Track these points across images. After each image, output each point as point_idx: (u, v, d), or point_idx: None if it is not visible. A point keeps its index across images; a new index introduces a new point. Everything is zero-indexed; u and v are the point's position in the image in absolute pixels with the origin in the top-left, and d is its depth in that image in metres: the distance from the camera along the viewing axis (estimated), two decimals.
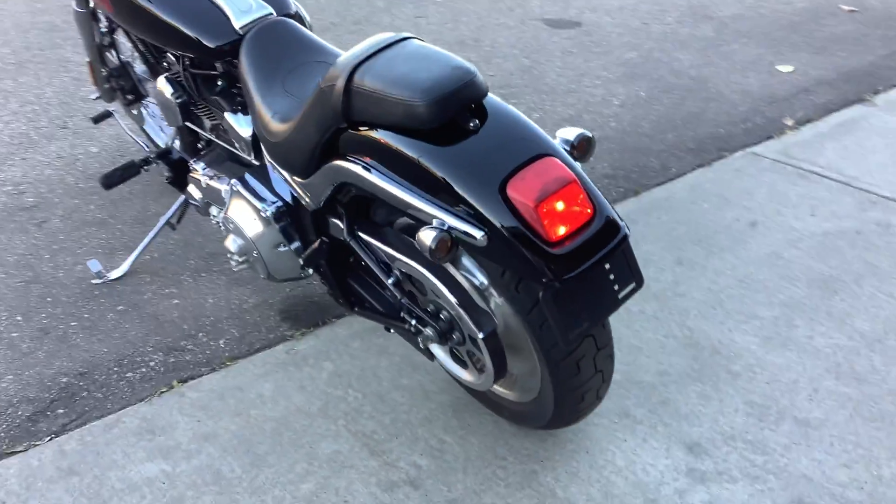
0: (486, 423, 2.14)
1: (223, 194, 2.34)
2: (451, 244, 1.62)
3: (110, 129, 3.58)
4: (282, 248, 2.25)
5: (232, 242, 2.31)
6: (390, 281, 1.99)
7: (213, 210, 2.48)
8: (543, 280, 1.58)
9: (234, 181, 2.27)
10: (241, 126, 2.24)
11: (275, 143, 2.02)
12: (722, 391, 2.24)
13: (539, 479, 1.99)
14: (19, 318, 2.52)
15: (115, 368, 2.34)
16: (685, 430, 2.13)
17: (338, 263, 2.20)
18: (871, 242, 2.87)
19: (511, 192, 1.58)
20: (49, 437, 2.11)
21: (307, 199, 2.05)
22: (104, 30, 2.91)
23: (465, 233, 1.61)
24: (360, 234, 2.02)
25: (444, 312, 1.96)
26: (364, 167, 1.78)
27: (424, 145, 1.67)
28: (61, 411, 2.19)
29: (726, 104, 3.98)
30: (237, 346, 2.42)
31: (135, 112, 3.10)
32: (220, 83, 2.29)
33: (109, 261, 2.79)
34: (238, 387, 2.26)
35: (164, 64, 2.47)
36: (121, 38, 2.97)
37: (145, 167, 2.71)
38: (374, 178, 1.76)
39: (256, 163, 2.30)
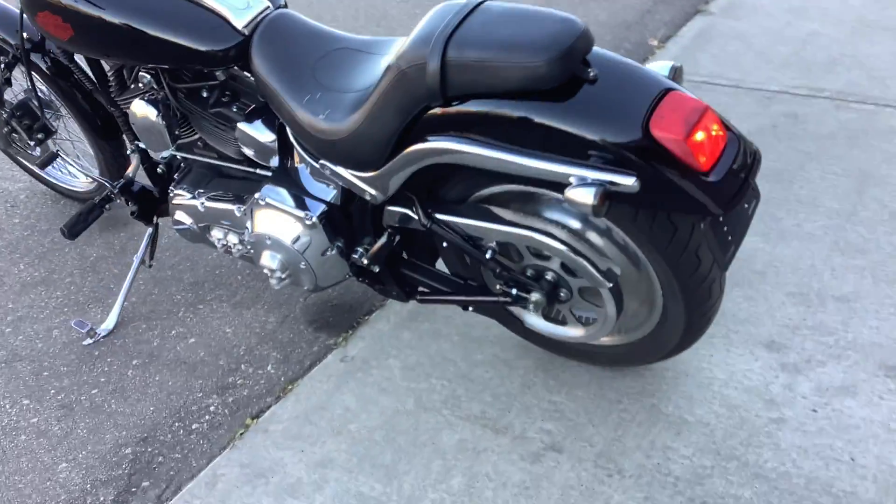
0: (580, 375, 2.16)
1: (239, 212, 2.18)
2: (608, 196, 1.60)
3: None
4: (329, 253, 2.13)
5: (271, 259, 2.15)
6: (487, 255, 1.94)
7: (217, 233, 2.29)
8: (708, 210, 1.61)
9: (259, 195, 2.11)
10: (261, 132, 2.07)
11: (332, 140, 1.89)
12: (761, 290, 2.39)
13: (662, 410, 2.05)
14: (26, 401, 2.22)
15: (177, 424, 2.13)
16: (754, 332, 2.25)
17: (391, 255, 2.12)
18: (790, 132, 3.13)
19: (656, 131, 1.59)
20: None
21: (373, 193, 1.94)
22: (2, 65, 2.56)
23: (613, 182, 1.60)
24: (438, 216, 1.94)
25: (549, 273, 1.94)
26: (468, 142, 1.72)
27: (545, 105, 1.64)
28: (147, 483, 1.97)
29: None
30: (287, 367, 2.28)
31: (44, 151, 2.77)
32: (227, 93, 2.11)
33: (85, 317, 2.49)
34: (319, 406, 2.13)
35: (133, 86, 2.22)
36: (16, 72, 2.63)
37: (107, 206, 2.43)
38: (484, 150, 1.70)
39: (268, 172, 2.15)
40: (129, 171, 2.44)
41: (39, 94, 2.77)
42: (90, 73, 2.39)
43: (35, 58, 2.57)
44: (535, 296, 1.97)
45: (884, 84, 3.33)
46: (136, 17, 1.99)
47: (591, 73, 1.64)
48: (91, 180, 2.98)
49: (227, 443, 2.06)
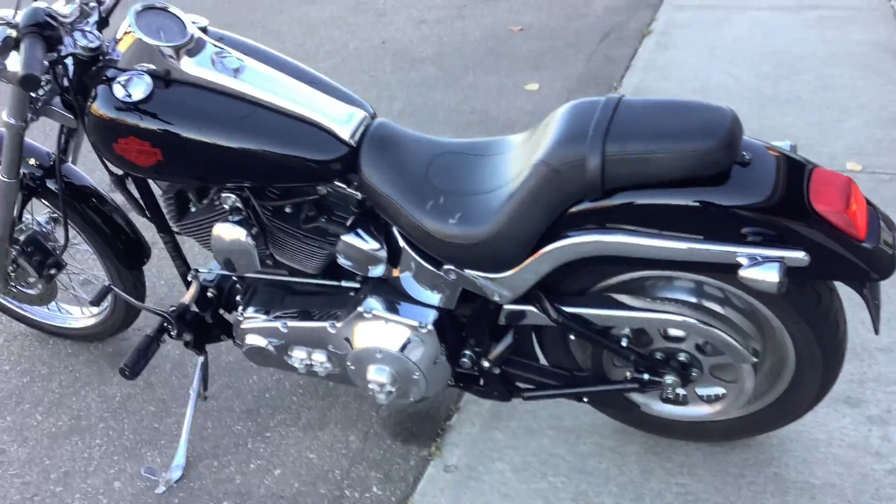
0: (691, 454, 2.20)
1: (333, 329, 2.10)
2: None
3: None
4: (440, 360, 2.08)
5: (379, 373, 2.08)
6: (623, 342, 1.96)
7: (300, 353, 2.19)
8: (871, 276, 1.70)
9: (363, 307, 2.04)
10: (368, 243, 2.01)
11: (466, 244, 1.86)
12: None
13: (786, 477, 2.11)
14: None
15: None
16: None
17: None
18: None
19: (819, 206, 1.68)
20: None
21: (504, 293, 1.93)
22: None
23: (783, 258, 1.67)
24: (566, 309, 1.94)
25: (681, 354, 1.97)
26: (628, 234, 1.74)
27: (707, 190, 1.70)
28: None
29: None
30: (393, 486, 2.19)
31: (45, 288, 2.55)
32: (319, 208, 2.04)
33: (143, 463, 2.28)
34: None
35: (198, 210, 2.10)
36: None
37: (161, 338, 2.26)
38: (652, 241, 1.73)
39: (355, 284, 2.10)
40: (186, 298, 2.27)
41: (40, 226, 2.56)
42: (139, 200, 2.23)
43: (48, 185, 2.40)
44: (669, 378, 1.99)
45: (821, 150, 3.58)
46: (244, 136, 1.90)
47: (748, 157, 1.72)
48: (90, 314, 2.75)
49: None
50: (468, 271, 1.93)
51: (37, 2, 1.97)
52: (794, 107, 4.04)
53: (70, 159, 2.39)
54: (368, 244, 2.02)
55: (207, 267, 2.31)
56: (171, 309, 2.27)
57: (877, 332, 1.84)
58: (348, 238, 2.02)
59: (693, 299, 1.92)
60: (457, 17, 5.96)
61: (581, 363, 2.15)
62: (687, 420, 2.16)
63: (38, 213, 2.54)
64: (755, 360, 1.91)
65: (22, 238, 2.48)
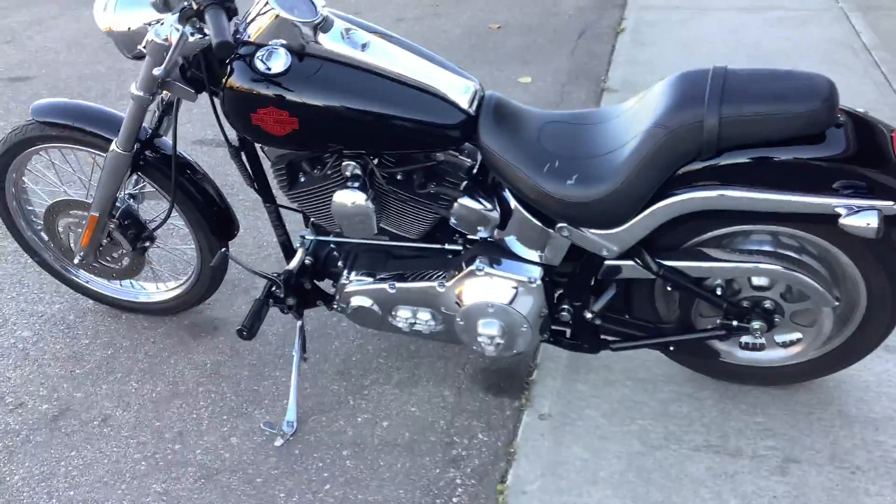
0: (761, 397, 2.46)
1: (442, 287, 2.26)
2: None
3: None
4: (543, 313, 2.26)
5: (488, 327, 2.25)
6: (718, 292, 2.17)
7: (405, 313, 2.35)
8: None
9: (476, 265, 2.21)
10: (483, 205, 2.18)
11: (582, 202, 2.05)
12: None
13: (849, 413, 2.39)
14: None
15: (438, 501, 2.12)
16: None
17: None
18: None
19: None
20: None
21: (612, 248, 2.12)
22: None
23: (875, 207, 1.90)
24: (667, 263, 2.15)
25: (767, 302, 2.20)
26: (736, 188, 1.96)
27: (809, 147, 1.93)
28: None
29: None
30: (496, 433, 2.37)
31: (134, 261, 2.66)
32: (433, 174, 2.20)
33: (252, 420, 2.41)
34: (556, 462, 2.25)
35: (334, 176, 2.23)
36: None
37: (271, 300, 2.39)
38: (760, 194, 1.95)
39: (458, 247, 2.28)
40: (293, 264, 2.41)
41: (132, 199, 2.65)
42: (250, 172, 2.35)
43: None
44: (756, 323, 2.21)
45: None
46: (376, 105, 2.05)
47: (842, 119, 1.95)
48: (169, 288, 2.85)
49: None
50: (581, 229, 2.12)
51: None
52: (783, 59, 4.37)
53: (166, 135, 2.50)
54: (483, 206, 2.20)
55: (310, 234, 2.44)
56: (278, 274, 2.40)
57: None
58: (464, 201, 2.20)
59: (775, 250, 2.15)
60: (433, 15, 6.17)
61: (662, 315, 2.36)
62: (762, 365, 2.39)
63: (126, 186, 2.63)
64: (836, 303, 2.15)
65: (117, 212, 2.57)
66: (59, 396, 2.56)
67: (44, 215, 2.69)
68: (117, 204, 2.57)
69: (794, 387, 2.46)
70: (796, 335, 2.31)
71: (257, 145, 2.31)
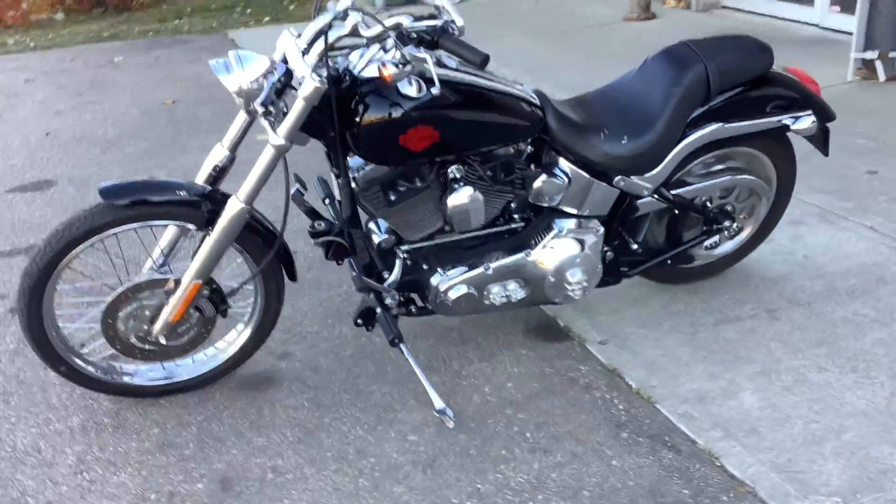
0: (705, 287, 3.31)
1: (530, 256, 2.78)
2: None
3: None
4: (604, 253, 2.92)
5: (575, 274, 2.82)
6: (705, 207, 3.02)
7: (498, 289, 2.81)
8: (830, 116, 3.02)
9: (557, 230, 2.79)
10: (560, 177, 2.75)
11: (634, 156, 2.75)
12: None
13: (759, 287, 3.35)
14: (485, 486, 2.42)
15: (600, 416, 2.63)
16: None
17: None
18: None
19: (808, 84, 2.98)
20: None
21: (649, 186, 2.86)
22: None
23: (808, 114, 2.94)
24: (675, 192, 2.95)
25: (728, 205, 3.11)
26: (725, 122, 2.84)
27: (762, 88, 2.89)
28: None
29: None
30: (587, 362, 2.90)
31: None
32: (529, 159, 2.73)
33: (402, 417, 2.68)
34: (650, 362, 2.89)
35: (433, 182, 2.61)
36: None
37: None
38: (743, 123, 2.85)
39: (521, 224, 2.84)
40: (395, 275, 2.69)
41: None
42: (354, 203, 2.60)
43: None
44: (727, 222, 3.11)
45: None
46: (490, 108, 2.56)
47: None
48: (230, 341, 2.86)
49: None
50: (632, 177, 2.80)
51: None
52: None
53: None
54: (559, 178, 2.76)
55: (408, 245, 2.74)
56: (387, 284, 2.68)
57: (827, 154, 3.16)
58: (543, 178, 2.74)
59: (728, 166, 3.06)
60: (93, 102, 6.23)
61: (658, 239, 3.13)
62: (716, 259, 3.26)
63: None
64: (771, 192, 3.12)
65: None
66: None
67: (107, 309, 2.55)
68: None
69: (719, 280, 3.37)
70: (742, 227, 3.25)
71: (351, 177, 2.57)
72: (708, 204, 3.09)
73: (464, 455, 2.53)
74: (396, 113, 2.41)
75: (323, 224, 2.68)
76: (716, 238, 3.20)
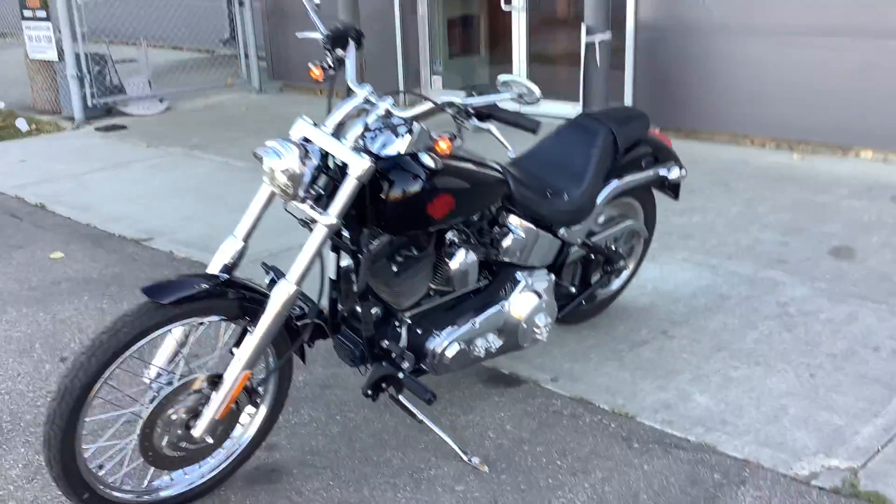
0: (606, 319, 3.84)
1: (505, 307, 3.10)
2: None
3: None
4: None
5: (543, 318, 3.17)
6: (609, 249, 3.56)
7: (481, 342, 3.09)
8: (681, 165, 3.73)
9: (524, 284, 3.14)
10: (518, 236, 3.10)
11: (573, 210, 3.21)
12: None
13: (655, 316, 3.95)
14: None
15: (586, 443, 2.99)
16: None
17: None
18: None
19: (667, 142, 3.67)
20: None
21: (580, 236, 3.33)
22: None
23: (676, 165, 3.61)
24: (592, 240, 3.47)
25: (621, 247, 3.68)
26: (629, 176, 3.42)
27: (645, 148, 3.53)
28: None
29: None
30: (565, 405, 3.25)
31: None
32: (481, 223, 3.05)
33: (437, 464, 2.80)
34: (605, 375, 3.29)
35: (436, 246, 2.83)
36: None
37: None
38: (636, 175, 3.47)
39: (488, 280, 3.19)
40: (402, 342, 2.83)
41: None
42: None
43: None
44: (622, 262, 3.65)
45: None
46: (484, 174, 2.86)
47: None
48: (246, 423, 2.74)
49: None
50: (573, 227, 3.23)
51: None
52: None
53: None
54: (518, 235, 3.10)
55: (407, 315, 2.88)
56: (402, 350, 2.82)
57: (677, 199, 3.83)
58: (511, 236, 3.07)
59: (617, 214, 3.62)
60: None
61: (571, 283, 3.58)
62: (609, 294, 3.78)
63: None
64: (648, 234, 3.72)
65: None
66: None
67: (151, 414, 2.38)
68: None
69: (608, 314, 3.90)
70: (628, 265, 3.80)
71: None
72: (612, 247, 3.61)
73: (517, 491, 2.72)
74: (418, 187, 2.60)
75: (305, 307, 2.76)
76: (613, 277, 3.73)
